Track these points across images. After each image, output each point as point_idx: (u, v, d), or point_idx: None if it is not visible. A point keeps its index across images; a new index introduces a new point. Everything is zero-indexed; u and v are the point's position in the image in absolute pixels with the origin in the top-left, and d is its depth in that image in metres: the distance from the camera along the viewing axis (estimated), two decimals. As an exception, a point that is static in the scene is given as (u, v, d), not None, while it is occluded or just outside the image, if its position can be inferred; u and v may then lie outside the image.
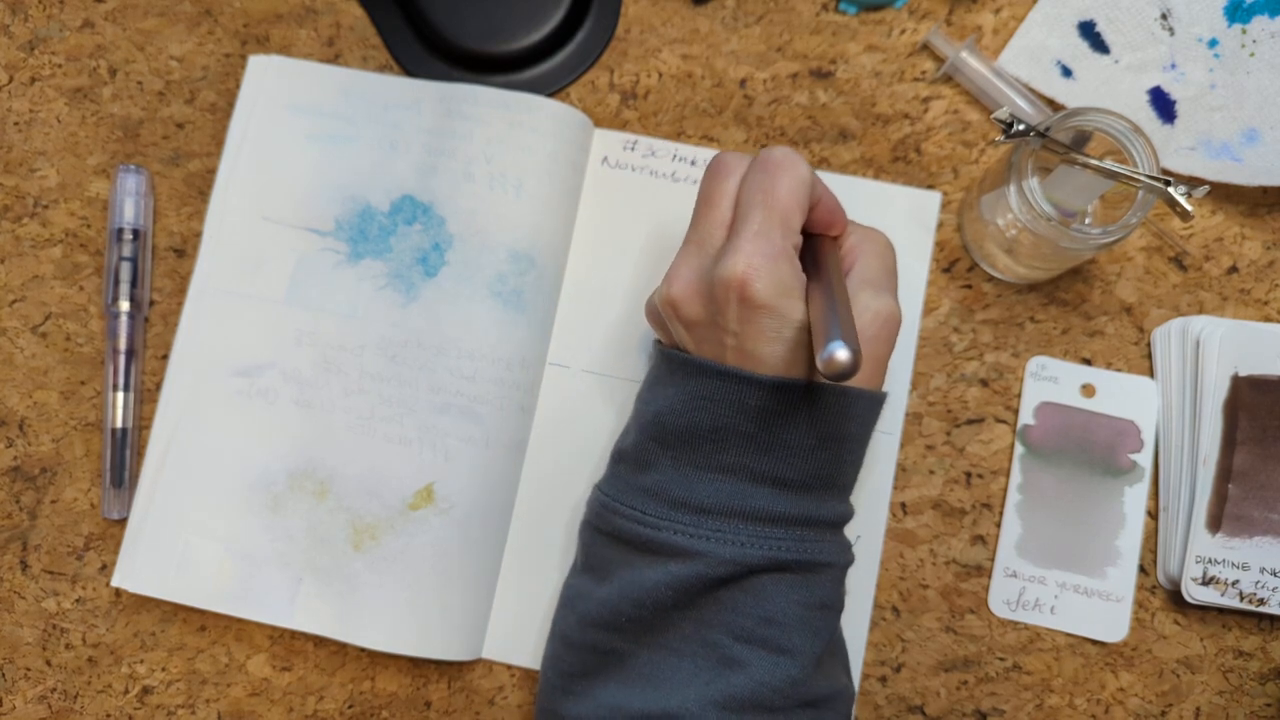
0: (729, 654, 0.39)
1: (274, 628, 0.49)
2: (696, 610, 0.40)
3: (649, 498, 0.41)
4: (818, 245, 0.42)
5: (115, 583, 0.48)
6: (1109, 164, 0.43)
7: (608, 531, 0.42)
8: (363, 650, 0.49)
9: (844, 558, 0.41)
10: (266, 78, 0.52)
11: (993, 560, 0.49)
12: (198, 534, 0.48)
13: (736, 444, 0.40)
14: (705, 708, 0.38)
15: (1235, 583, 0.47)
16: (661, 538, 0.40)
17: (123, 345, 0.50)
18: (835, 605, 0.41)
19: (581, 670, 0.42)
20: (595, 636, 0.42)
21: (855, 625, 0.48)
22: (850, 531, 0.48)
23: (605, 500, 0.43)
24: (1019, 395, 0.50)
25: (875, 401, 0.41)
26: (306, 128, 0.51)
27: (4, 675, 0.49)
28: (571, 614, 0.43)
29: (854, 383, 0.40)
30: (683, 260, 0.41)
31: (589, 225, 0.51)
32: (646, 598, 0.40)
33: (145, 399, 0.51)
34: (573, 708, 0.42)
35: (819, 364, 0.34)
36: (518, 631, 0.48)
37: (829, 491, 0.41)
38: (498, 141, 0.50)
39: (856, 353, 0.34)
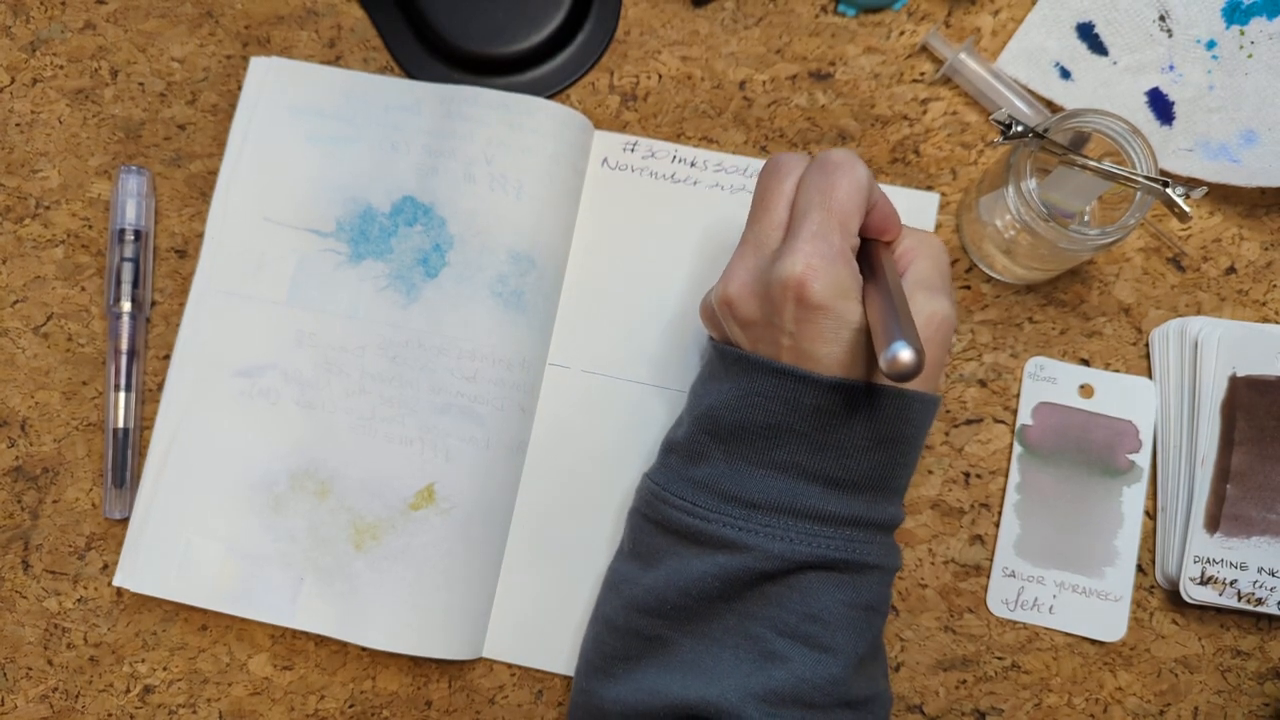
0: (771, 648, 0.39)
1: (275, 627, 0.49)
2: (741, 603, 0.40)
3: (700, 490, 0.41)
4: (872, 249, 0.42)
5: (117, 582, 0.48)
6: (1107, 165, 0.43)
7: (657, 520, 0.42)
8: (363, 650, 0.49)
9: (893, 561, 0.41)
10: (268, 79, 0.52)
11: (991, 560, 0.49)
12: (199, 534, 0.48)
13: (790, 442, 0.40)
14: (745, 699, 0.39)
15: (1233, 582, 0.47)
16: (711, 529, 0.40)
17: (124, 346, 0.50)
18: (880, 608, 0.41)
19: (624, 654, 0.42)
20: (640, 621, 0.42)
21: (854, 625, 0.48)
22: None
23: (656, 489, 0.43)
24: (1017, 395, 0.50)
25: (931, 404, 0.41)
26: (307, 129, 0.52)
27: (5, 675, 0.49)
28: (617, 598, 0.43)
29: (910, 385, 0.40)
30: (739, 260, 0.41)
31: (589, 226, 0.52)
32: (693, 587, 0.40)
33: (147, 399, 0.51)
34: (612, 689, 0.42)
35: (882, 364, 0.34)
36: (518, 631, 0.49)
37: (881, 494, 0.41)
38: (498, 143, 0.50)
39: (920, 353, 0.34)
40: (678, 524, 0.41)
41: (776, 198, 0.41)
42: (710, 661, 0.40)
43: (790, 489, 0.40)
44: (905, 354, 0.34)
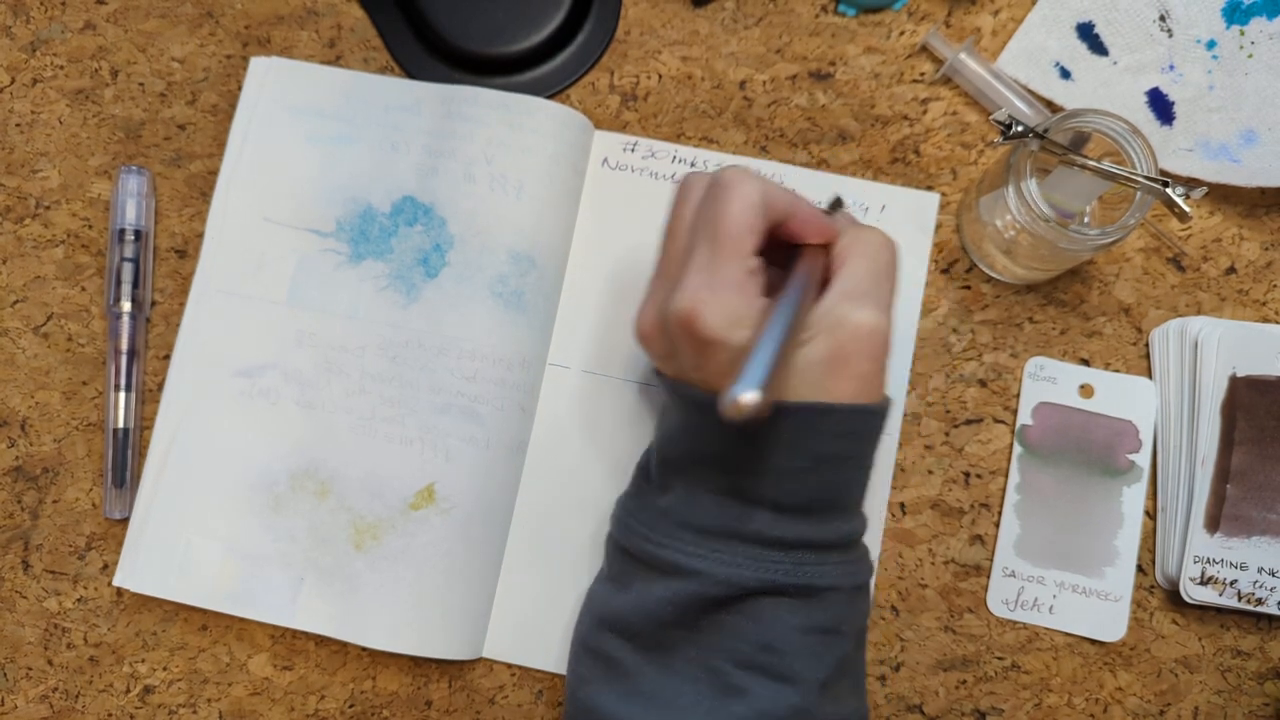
0: (730, 681, 0.39)
1: (275, 627, 0.49)
2: (700, 633, 0.40)
3: (660, 518, 0.41)
4: (798, 257, 0.40)
5: (117, 582, 0.48)
6: (1107, 165, 0.43)
7: (624, 546, 0.43)
8: (363, 650, 0.49)
9: (849, 580, 0.40)
10: (268, 79, 0.52)
11: (991, 560, 0.49)
12: (200, 534, 0.48)
13: (733, 468, 0.39)
14: None
15: (1233, 582, 0.47)
16: (663, 555, 0.40)
17: (124, 346, 0.50)
18: (841, 628, 0.40)
19: (592, 675, 0.42)
20: (608, 642, 0.42)
21: (854, 625, 0.48)
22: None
23: (623, 517, 0.44)
24: (1017, 395, 0.50)
25: (870, 415, 0.39)
26: (307, 129, 0.52)
27: (5, 675, 0.49)
28: (590, 617, 0.43)
29: (839, 399, 0.38)
30: (648, 295, 0.41)
31: (589, 226, 0.52)
32: (651, 611, 0.40)
33: (147, 399, 0.51)
34: (600, 700, 0.42)
35: (721, 406, 0.32)
36: (518, 631, 0.49)
37: (829, 513, 0.40)
38: (498, 143, 0.50)
39: (764, 395, 0.32)
40: (638, 550, 0.41)
41: (678, 226, 0.40)
42: (671, 695, 0.39)
43: (738, 515, 0.39)
44: (744, 397, 0.32)
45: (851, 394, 0.38)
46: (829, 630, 0.39)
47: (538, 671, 0.48)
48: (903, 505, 0.49)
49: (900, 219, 0.51)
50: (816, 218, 0.40)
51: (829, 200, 0.41)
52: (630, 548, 0.42)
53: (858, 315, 0.38)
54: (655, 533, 0.41)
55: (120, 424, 0.50)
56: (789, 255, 0.40)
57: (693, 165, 0.52)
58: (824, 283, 0.40)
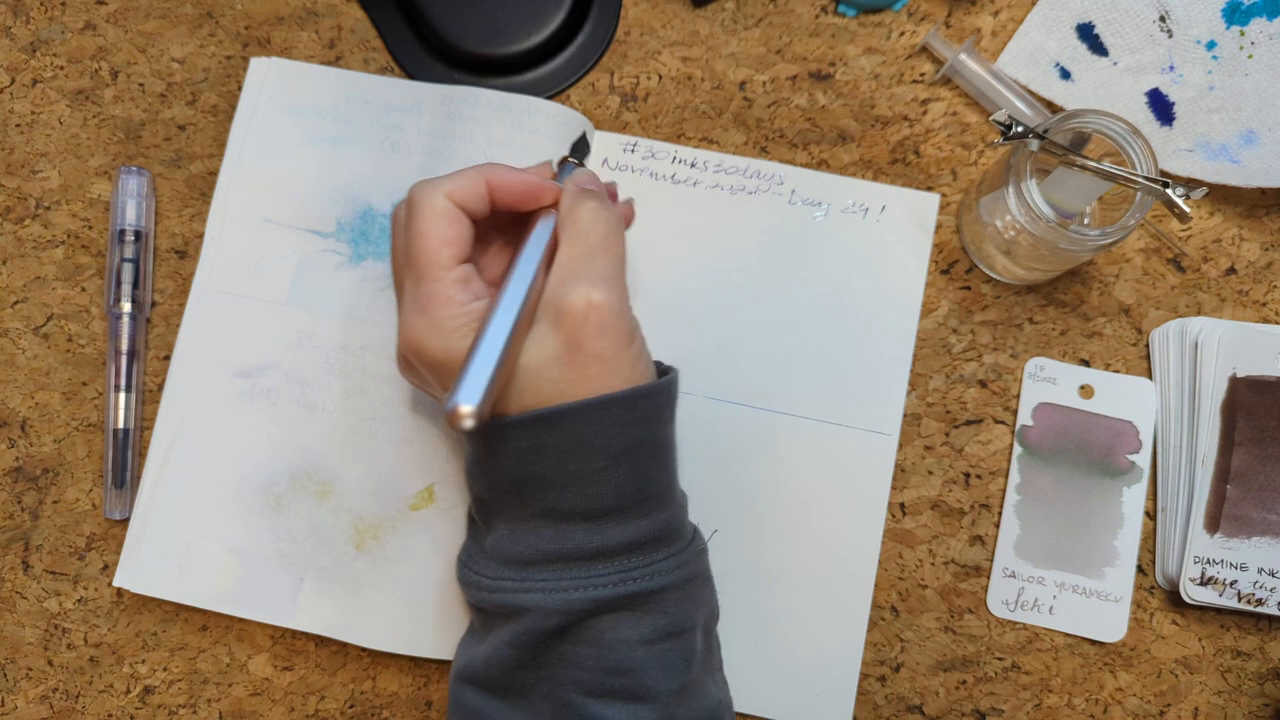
0: (585, 713, 0.37)
1: (275, 627, 0.49)
2: (545, 669, 0.38)
3: (489, 559, 0.39)
4: (525, 233, 0.39)
5: (117, 583, 0.48)
6: (1107, 166, 0.43)
7: (467, 596, 0.41)
8: (364, 650, 0.49)
9: (679, 574, 0.38)
10: (268, 80, 0.52)
11: (991, 560, 0.49)
12: (200, 534, 0.48)
13: (534, 489, 0.37)
14: None
15: (1233, 583, 0.47)
16: (495, 599, 0.38)
17: (124, 346, 0.50)
18: (684, 627, 0.38)
19: None
20: (466, 694, 0.40)
21: (853, 625, 0.48)
22: (844, 530, 0.48)
23: (460, 565, 0.42)
24: (1017, 396, 0.50)
25: (648, 397, 0.37)
26: (308, 130, 0.52)
27: (6, 675, 0.49)
28: (453, 668, 0.41)
29: (603, 389, 0.36)
30: (398, 332, 0.40)
31: (589, 227, 0.52)
32: (494, 658, 0.38)
33: (147, 400, 0.51)
34: None
35: (446, 422, 0.32)
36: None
37: (643, 505, 0.38)
38: (499, 143, 0.50)
39: (480, 403, 0.32)
40: (475, 599, 0.40)
41: (394, 260, 0.40)
42: None
43: (555, 536, 0.37)
44: (461, 407, 0.32)
45: (613, 381, 0.36)
46: (673, 634, 0.38)
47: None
48: (903, 506, 0.49)
49: (900, 219, 0.51)
50: (524, 183, 0.39)
51: (573, 141, 0.40)
52: (471, 596, 0.40)
53: (572, 297, 0.36)
54: (484, 575, 0.39)
55: (120, 424, 0.50)
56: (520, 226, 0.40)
57: (693, 165, 0.52)
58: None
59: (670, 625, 0.38)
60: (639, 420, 0.37)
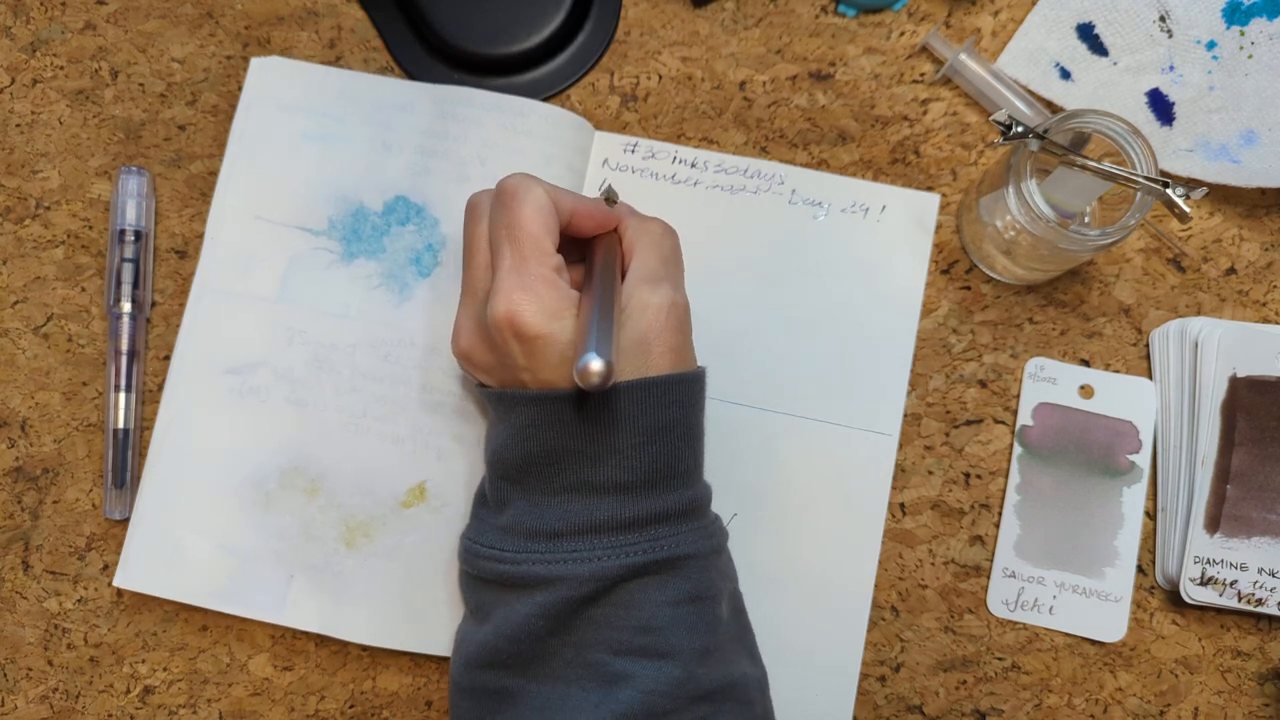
0: (612, 670, 0.39)
1: (275, 627, 0.49)
2: (573, 634, 0.40)
3: (507, 535, 0.41)
4: (594, 248, 0.43)
5: (117, 583, 0.48)
6: (1107, 166, 0.43)
7: (477, 575, 0.42)
8: (364, 650, 0.49)
9: (706, 544, 0.41)
10: (268, 80, 0.52)
11: (991, 560, 0.49)
12: (194, 532, 0.48)
13: (570, 462, 0.40)
14: None
15: (1233, 583, 0.47)
16: (522, 571, 0.40)
17: (124, 346, 0.50)
18: (709, 594, 0.41)
19: (476, 714, 0.42)
20: (484, 677, 0.41)
21: (853, 624, 0.48)
22: (844, 529, 0.48)
23: (469, 545, 0.43)
24: (1017, 396, 0.50)
25: (689, 382, 0.41)
26: (304, 128, 0.52)
27: (6, 675, 0.49)
28: (459, 659, 0.43)
29: (658, 372, 0.40)
30: (461, 311, 0.43)
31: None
32: (520, 631, 0.40)
33: (147, 400, 0.51)
34: None
35: (575, 377, 0.35)
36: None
37: (671, 482, 0.41)
38: (492, 144, 0.50)
39: (607, 362, 0.35)
40: (493, 573, 0.41)
41: (477, 241, 0.42)
42: (559, 702, 0.40)
43: (585, 508, 0.40)
44: (593, 364, 0.35)
45: (670, 366, 0.41)
46: (698, 598, 0.40)
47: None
48: (903, 506, 0.49)
49: (900, 219, 0.51)
50: (600, 210, 0.43)
51: (602, 191, 0.44)
52: (483, 573, 0.42)
53: (657, 296, 0.41)
54: (506, 550, 0.41)
55: (120, 424, 0.50)
56: (582, 250, 0.43)
57: (693, 166, 0.52)
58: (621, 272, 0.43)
59: (695, 589, 0.40)
60: (675, 402, 0.41)
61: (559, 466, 0.40)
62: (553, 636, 0.40)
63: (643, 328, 0.40)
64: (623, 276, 0.42)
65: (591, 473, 0.40)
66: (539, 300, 0.39)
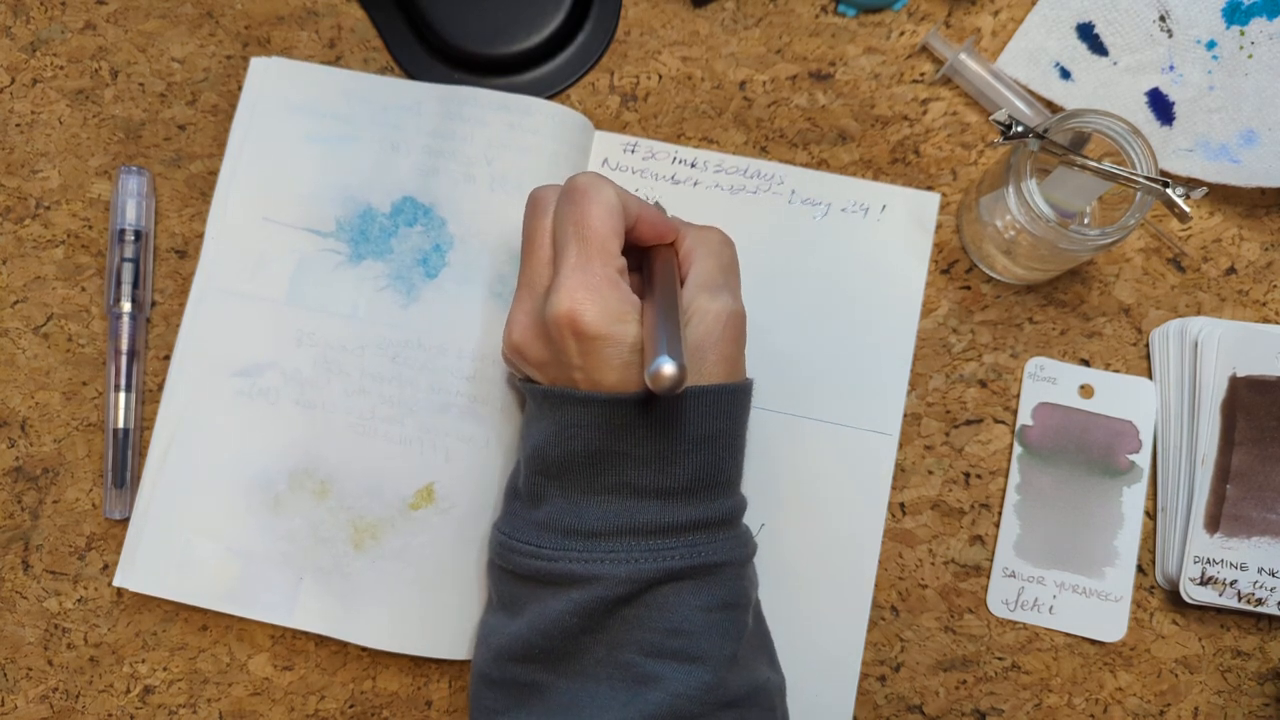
0: (643, 671, 0.39)
1: (275, 627, 0.49)
2: (605, 632, 0.40)
3: (543, 531, 0.41)
4: (652, 257, 0.43)
5: (117, 582, 0.48)
6: (1107, 165, 0.43)
7: (510, 569, 0.42)
8: (364, 650, 0.49)
9: (740, 553, 0.42)
10: (268, 79, 0.52)
11: (991, 560, 0.49)
12: (199, 534, 0.48)
13: (614, 463, 0.40)
14: None
15: (1233, 583, 0.47)
16: (558, 568, 0.40)
17: (124, 346, 0.50)
18: (740, 602, 0.41)
19: (504, 706, 0.42)
20: (513, 670, 0.42)
21: (853, 624, 0.48)
22: (844, 529, 0.49)
23: (503, 539, 0.43)
24: (1017, 396, 0.50)
25: (738, 393, 0.41)
26: (307, 129, 0.52)
27: (6, 675, 0.49)
28: (487, 650, 0.43)
29: (709, 381, 0.40)
30: (517, 304, 0.42)
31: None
32: (553, 628, 0.40)
33: (147, 399, 0.51)
34: None
35: (647, 380, 0.35)
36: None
37: (712, 491, 0.41)
38: (498, 143, 0.50)
39: (681, 366, 0.35)
40: (528, 569, 0.41)
41: (539, 235, 0.42)
42: (587, 699, 0.40)
43: (626, 510, 0.40)
44: (666, 368, 0.35)
45: (722, 375, 0.41)
46: (729, 605, 0.40)
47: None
48: (903, 505, 0.49)
49: (900, 219, 0.51)
50: (663, 219, 0.43)
51: (652, 203, 0.44)
52: (518, 568, 0.42)
53: (717, 304, 0.41)
54: (543, 547, 0.41)
55: (120, 424, 0.50)
56: (637, 257, 0.43)
57: (693, 166, 0.52)
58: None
59: (728, 597, 0.40)
60: (724, 412, 0.41)
61: (602, 467, 0.40)
62: (585, 634, 0.40)
63: (700, 334, 0.40)
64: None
65: (635, 476, 0.40)
66: (603, 301, 0.39)
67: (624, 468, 0.40)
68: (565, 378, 0.41)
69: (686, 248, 0.43)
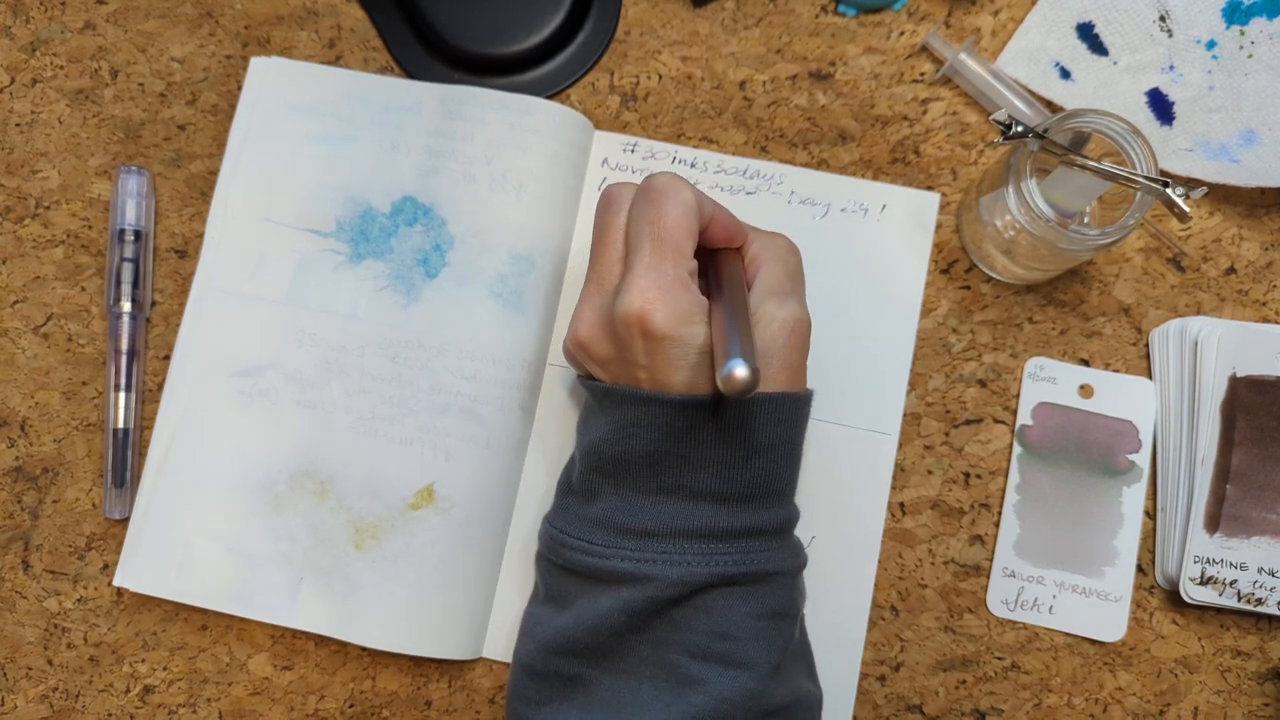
0: (687, 673, 0.39)
1: (275, 627, 0.49)
2: (652, 632, 0.40)
3: (596, 527, 0.41)
4: (720, 261, 0.42)
5: (117, 582, 0.48)
6: (1107, 165, 0.43)
7: (560, 563, 0.43)
8: (363, 649, 0.49)
9: (792, 563, 0.41)
10: (268, 79, 0.52)
11: (991, 560, 0.49)
12: (199, 534, 0.48)
13: (672, 465, 0.40)
14: None
15: (1233, 582, 0.47)
16: (610, 566, 0.40)
17: (124, 346, 0.50)
18: (788, 612, 0.41)
19: (546, 698, 0.42)
20: (557, 663, 0.42)
21: (853, 624, 0.48)
22: (844, 529, 0.49)
23: (555, 534, 0.43)
24: (1017, 396, 0.50)
25: (800, 403, 0.41)
26: (307, 129, 0.52)
27: (6, 674, 0.49)
28: (532, 642, 0.43)
29: (772, 388, 0.40)
30: (585, 301, 0.42)
31: (589, 227, 0.52)
32: (601, 624, 0.40)
33: (147, 399, 0.51)
34: None
35: (719, 383, 0.35)
36: (518, 630, 0.49)
37: (768, 499, 0.41)
38: (498, 143, 0.50)
39: (754, 369, 0.35)
40: (578, 565, 0.41)
41: (612, 233, 0.42)
42: (630, 696, 0.40)
43: (681, 512, 0.40)
44: (739, 371, 0.35)
45: (785, 384, 0.41)
46: (778, 614, 0.40)
47: (538, 671, 0.48)
48: (903, 505, 0.49)
49: (900, 219, 0.51)
50: (734, 222, 0.42)
51: None
52: (568, 563, 0.42)
53: (784, 311, 0.41)
54: (595, 543, 0.41)
55: (120, 424, 0.50)
56: (702, 260, 0.42)
57: (693, 166, 0.52)
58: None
59: (778, 606, 0.40)
60: (785, 421, 0.41)
61: (659, 468, 0.40)
62: (632, 633, 0.40)
63: (765, 341, 0.40)
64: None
65: (692, 479, 0.40)
66: (674, 302, 0.38)
67: (682, 470, 0.40)
68: (629, 376, 0.41)
69: (753, 252, 0.43)
